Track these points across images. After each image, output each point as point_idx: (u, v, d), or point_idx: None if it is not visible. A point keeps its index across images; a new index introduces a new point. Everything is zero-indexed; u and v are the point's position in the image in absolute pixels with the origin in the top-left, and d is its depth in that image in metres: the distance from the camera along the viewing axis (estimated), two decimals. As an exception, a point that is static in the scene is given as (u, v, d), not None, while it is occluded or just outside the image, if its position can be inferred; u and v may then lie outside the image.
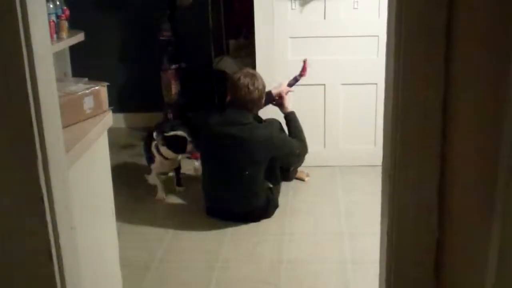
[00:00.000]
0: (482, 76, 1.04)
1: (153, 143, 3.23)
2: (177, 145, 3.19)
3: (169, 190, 3.40)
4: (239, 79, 3.02)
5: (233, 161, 2.94)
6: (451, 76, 1.23)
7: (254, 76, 3.06)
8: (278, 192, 3.20)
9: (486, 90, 1.01)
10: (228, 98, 3.11)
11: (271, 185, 3.10)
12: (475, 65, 1.09)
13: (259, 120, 3.12)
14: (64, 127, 1.42)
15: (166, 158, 3.23)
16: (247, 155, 2.93)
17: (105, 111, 1.81)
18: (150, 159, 3.32)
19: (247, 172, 2.94)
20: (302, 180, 3.53)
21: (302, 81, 3.56)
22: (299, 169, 3.51)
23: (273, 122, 3.19)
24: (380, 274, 1.51)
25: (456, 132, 1.22)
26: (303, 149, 3.27)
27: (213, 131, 3.00)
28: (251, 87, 2.99)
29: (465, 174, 1.16)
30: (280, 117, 3.48)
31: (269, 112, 3.49)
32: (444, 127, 1.27)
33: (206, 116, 3.11)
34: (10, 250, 1.28)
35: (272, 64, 3.55)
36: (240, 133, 2.94)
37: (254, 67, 3.57)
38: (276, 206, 3.13)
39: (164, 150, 3.20)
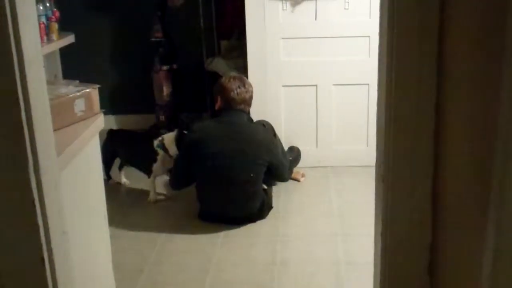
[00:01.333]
0: (475, 76, 1.04)
1: (156, 141, 3.23)
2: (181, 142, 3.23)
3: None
4: (229, 82, 3.04)
5: (236, 165, 2.91)
6: (444, 78, 1.23)
7: (242, 78, 3.10)
8: (271, 193, 3.20)
9: (479, 91, 1.01)
10: (219, 104, 3.09)
11: (265, 186, 3.10)
12: (468, 66, 1.09)
13: (251, 120, 3.13)
14: (55, 130, 1.41)
15: (170, 156, 3.23)
16: (250, 156, 2.92)
17: (96, 114, 1.79)
18: (109, 160, 3.46)
19: (252, 175, 2.93)
20: (297, 180, 3.52)
21: (295, 82, 3.59)
22: (295, 169, 3.52)
23: (268, 125, 3.20)
24: (375, 276, 1.51)
25: (449, 134, 1.22)
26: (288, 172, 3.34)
27: (211, 138, 2.97)
28: (242, 88, 3.01)
29: (459, 176, 1.16)
30: (273, 118, 3.49)
31: (264, 114, 3.50)
32: (438, 129, 1.27)
33: (200, 126, 3.09)
34: (1, 255, 1.27)
35: (264, 65, 3.55)
36: (240, 135, 2.94)
37: (246, 68, 3.58)
38: (270, 207, 3.13)
39: (172, 145, 3.19)
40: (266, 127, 3.17)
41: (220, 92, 3.06)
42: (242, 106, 3.03)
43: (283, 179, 3.33)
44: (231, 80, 3.06)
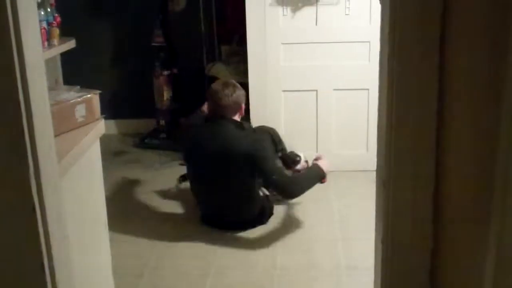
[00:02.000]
0: (477, 82, 1.05)
1: None
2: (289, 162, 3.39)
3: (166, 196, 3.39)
4: (212, 88, 3.00)
5: (219, 172, 2.90)
6: (446, 82, 1.23)
7: (228, 83, 3.01)
8: (274, 199, 3.18)
9: (481, 97, 1.01)
10: (207, 110, 3.10)
11: (267, 192, 3.09)
12: (470, 71, 1.09)
13: (241, 127, 2.97)
14: (56, 135, 1.41)
15: None
16: (231, 165, 2.87)
17: (97, 119, 1.80)
18: None
19: (236, 181, 2.89)
20: None
21: (295, 87, 3.59)
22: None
23: (262, 136, 3.13)
24: (375, 283, 1.50)
25: (451, 138, 1.22)
26: (289, 187, 2.94)
27: (198, 143, 2.97)
28: (223, 93, 2.91)
29: (462, 181, 1.15)
30: (273, 123, 3.49)
31: (264, 118, 3.50)
32: (439, 134, 1.27)
33: (193, 131, 3.10)
34: (1, 261, 1.27)
35: (264, 70, 3.55)
36: (221, 144, 2.86)
37: (246, 73, 3.58)
38: (271, 213, 3.12)
39: None
40: (257, 138, 3.04)
41: (206, 99, 3.07)
42: (224, 112, 2.92)
43: (288, 195, 3.06)
44: (215, 86, 3.01)
